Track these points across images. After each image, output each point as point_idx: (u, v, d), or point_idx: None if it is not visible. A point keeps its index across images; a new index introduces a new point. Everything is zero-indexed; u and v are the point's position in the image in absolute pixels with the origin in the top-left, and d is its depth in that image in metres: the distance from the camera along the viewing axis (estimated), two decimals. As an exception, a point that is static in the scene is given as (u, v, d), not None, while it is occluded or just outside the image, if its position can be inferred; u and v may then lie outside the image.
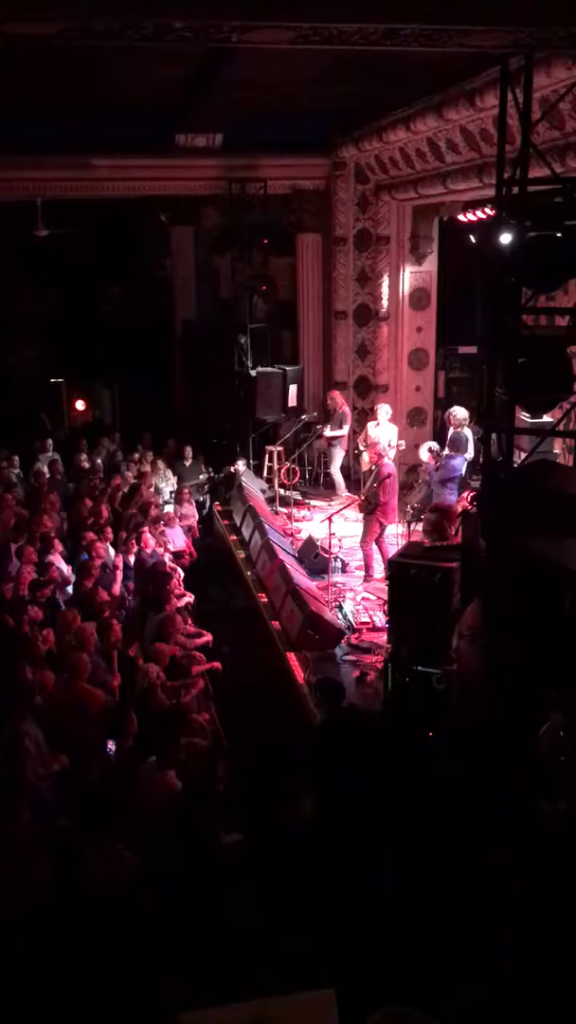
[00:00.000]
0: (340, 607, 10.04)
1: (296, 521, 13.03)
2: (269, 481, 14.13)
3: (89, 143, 13.70)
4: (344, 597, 10.39)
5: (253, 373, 14.48)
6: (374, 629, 9.59)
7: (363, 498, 10.86)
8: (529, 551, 6.14)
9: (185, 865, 4.29)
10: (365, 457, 11.61)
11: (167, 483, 13.93)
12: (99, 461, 14.05)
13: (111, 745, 6.26)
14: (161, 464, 14.34)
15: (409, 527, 11.10)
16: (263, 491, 13.85)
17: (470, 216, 12.66)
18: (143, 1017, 2.87)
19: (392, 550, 10.29)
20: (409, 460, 13.66)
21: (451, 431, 11.63)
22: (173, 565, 10.20)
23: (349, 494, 13.45)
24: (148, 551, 10.15)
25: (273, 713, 8.39)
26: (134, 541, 10.19)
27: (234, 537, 12.65)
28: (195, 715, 7.15)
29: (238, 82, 10.09)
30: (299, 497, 14.00)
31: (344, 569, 11.19)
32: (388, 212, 14.65)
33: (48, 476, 12.99)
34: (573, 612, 5.64)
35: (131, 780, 5.73)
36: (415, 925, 3.24)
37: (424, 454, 11.68)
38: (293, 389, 14.85)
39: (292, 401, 14.85)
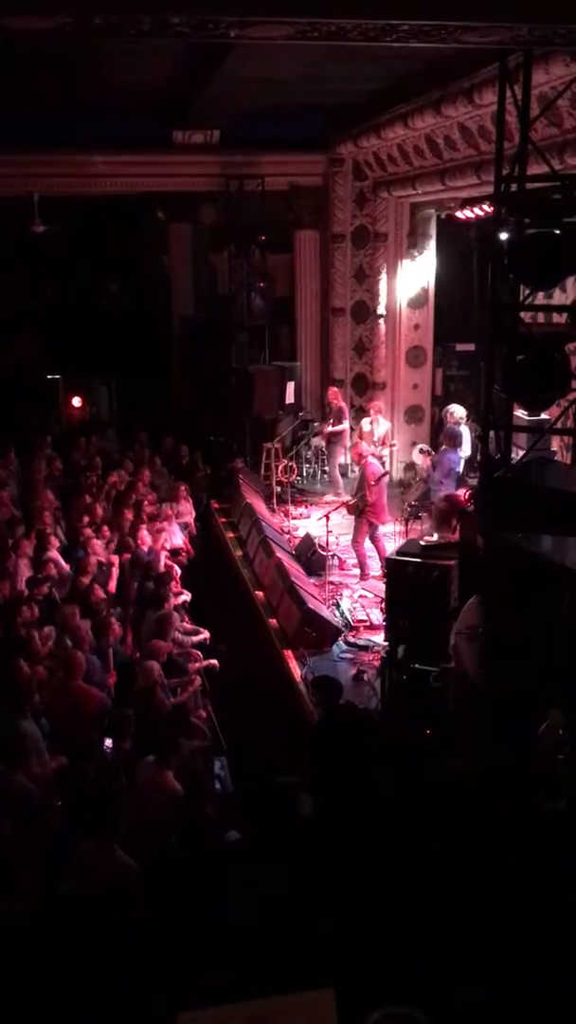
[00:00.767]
0: (337, 604, 10.04)
1: (293, 519, 13.02)
2: (267, 478, 14.12)
3: (87, 139, 13.71)
4: (341, 595, 10.39)
5: (251, 370, 14.45)
6: (371, 627, 9.59)
7: (352, 501, 10.84)
8: (527, 549, 6.14)
9: (183, 864, 4.28)
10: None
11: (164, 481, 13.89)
12: (96, 458, 14.00)
13: (108, 743, 6.26)
14: (158, 461, 14.29)
15: (407, 524, 11.09)
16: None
17: (468, 213, 12.65)
18: (142, 1017, 2.85)
19: (390, 547, 10.28)
20: (406, 457, 13.66)
21: (447, 426, 11.61)
22: (170, 563, 10.19)
23: (346, 496, 13.43)
24: (145, 548, 10.13)
25: (270, 711, 8.39)
26: (130, 538, 10.17)
27: (231, 534, 12.64)
28: (193, 714, 7.15)
29: (236, 78, 10.07)
30: (299, 492, 13.97)
31: (341, 567, 11.18)
32: (386, 209, 14.64)
33: (45, 473, 12.95)
34: (571, 610, 5.63)
35: (129, 779, 5.72)
36: (415, 924, 3.23)
37: (417, 457, 11.66)
38: (291, 386, 14.83)
39: (290, 398, 14.85)
